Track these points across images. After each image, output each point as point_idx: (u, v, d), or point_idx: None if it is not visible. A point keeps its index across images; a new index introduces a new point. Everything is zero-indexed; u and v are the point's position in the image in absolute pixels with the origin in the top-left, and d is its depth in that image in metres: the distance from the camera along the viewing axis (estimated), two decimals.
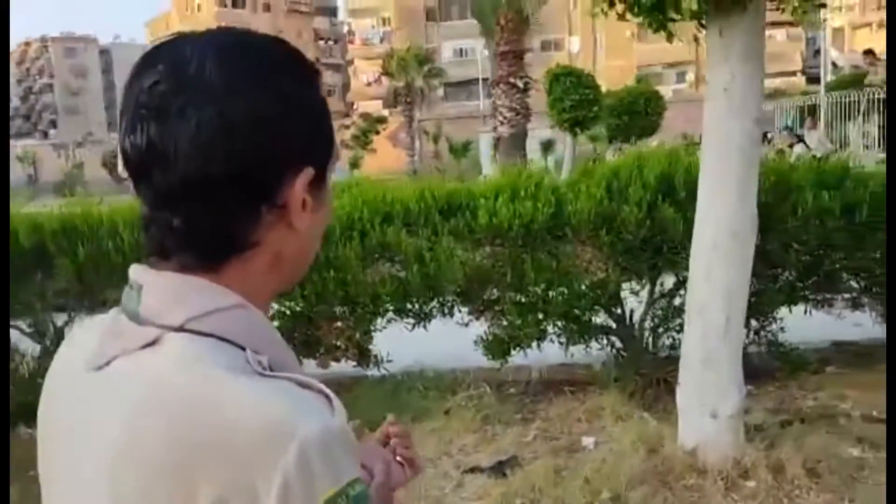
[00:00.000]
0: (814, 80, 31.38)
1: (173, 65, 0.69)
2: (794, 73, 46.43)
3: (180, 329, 0.69)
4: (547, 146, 26.27)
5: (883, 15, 26.23)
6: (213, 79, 0.67)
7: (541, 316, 4.39)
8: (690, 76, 48.58)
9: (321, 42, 70.23)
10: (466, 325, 4.58)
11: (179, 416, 0.65)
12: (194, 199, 0.68)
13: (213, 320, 0.70)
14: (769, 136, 15.59)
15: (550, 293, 4.36)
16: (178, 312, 0.69)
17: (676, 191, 4.29)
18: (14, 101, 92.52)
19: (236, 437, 0.63)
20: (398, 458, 0.97)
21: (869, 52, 14.71)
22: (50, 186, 34.11)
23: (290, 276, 0.79)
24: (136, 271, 0.74)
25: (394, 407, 4.66)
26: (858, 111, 12.58)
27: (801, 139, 13.73)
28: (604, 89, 17.47)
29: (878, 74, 12.39)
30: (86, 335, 0.78)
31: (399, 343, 4.63)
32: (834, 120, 13.58)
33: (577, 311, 4.41)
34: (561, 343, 4.52)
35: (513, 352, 4.49)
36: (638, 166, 4.45)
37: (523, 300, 4.41)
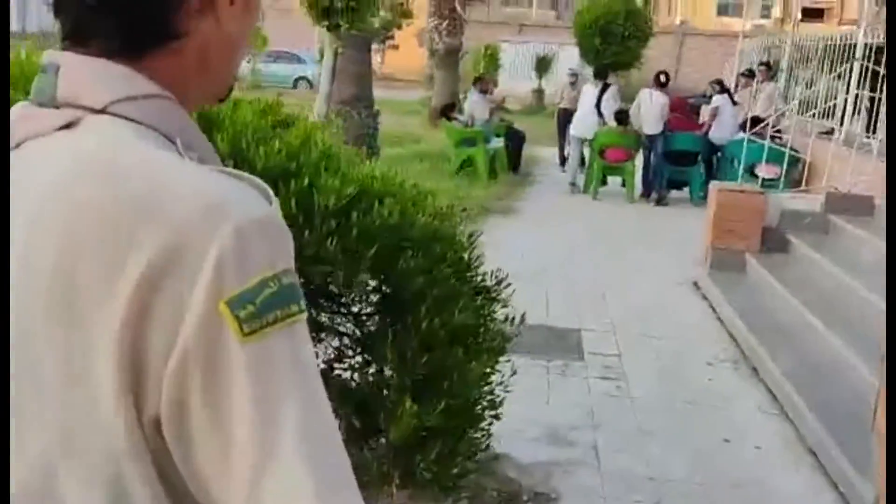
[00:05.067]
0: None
1: None
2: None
3: (102, 112, 0.64)
4: None
5: None
6: None
7: None
8: (777, 10, 42.82)
9: None
10: None
11: (109, 182, 0.60)
12: None
13: (137, 106, 0.64)
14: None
15: None
16: (100, 95, 0.64)
17: None
18: None
19: (172, 206, 0.58)
20: None
21: None
22: None
23: (216, 80, 0.74)
24: (51, 55, 0.67)
25: None
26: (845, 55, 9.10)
27: (726, 91, 10.35)
28: None
29: None
30: None
31: None
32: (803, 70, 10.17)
33: None
34: None
35: None
36: None
37: None
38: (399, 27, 35.89)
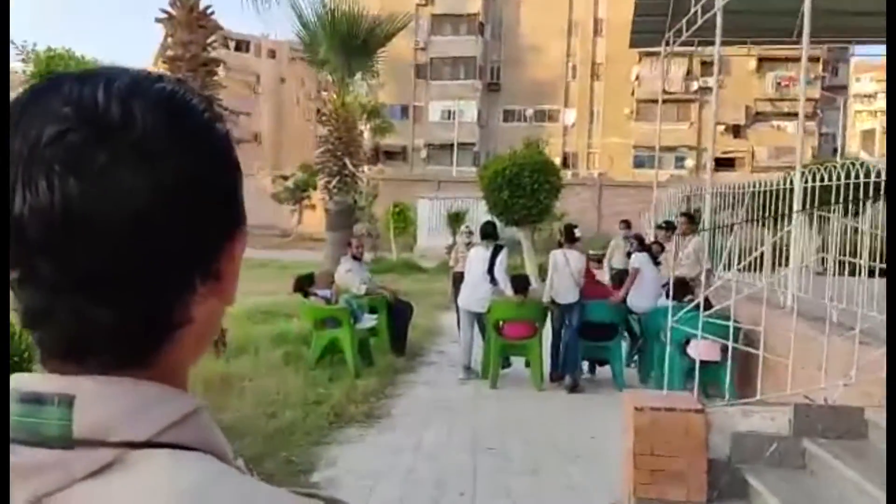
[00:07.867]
0: None
1: (85, 109, 0.51)
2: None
3: (149, 444, 0.51)
4: None
5: None
6: (146, 130, 0.51)
7: None
8: (690, 162, 43.83)
9: (324, 93, 68.39)
10: None
11: None
12: (125, 279, 0.52)
13: (189, 428, 0.54)
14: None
15: None
16: (145, 422, 0.52)
17: None
18: None
19: None
20: None
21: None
22: None
23: (207, 345, 0.62)
24: (48, 382, 0.53)
25: None
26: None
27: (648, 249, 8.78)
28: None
29: None
30: None
31: None
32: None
33: None
34: None
35: None
36: None
37: None
38: (314, 187, 35.05)
